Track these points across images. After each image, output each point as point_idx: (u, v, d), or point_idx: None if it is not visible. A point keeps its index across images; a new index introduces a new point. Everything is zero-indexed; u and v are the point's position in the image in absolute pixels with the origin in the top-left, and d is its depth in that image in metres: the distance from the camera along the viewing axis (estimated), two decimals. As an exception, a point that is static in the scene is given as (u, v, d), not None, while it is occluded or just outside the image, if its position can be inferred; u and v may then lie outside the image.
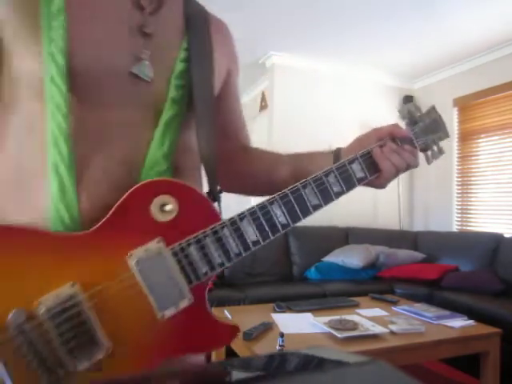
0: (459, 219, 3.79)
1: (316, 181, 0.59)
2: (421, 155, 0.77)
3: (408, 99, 4.28)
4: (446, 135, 0.77)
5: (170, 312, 0.50)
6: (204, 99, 0.61)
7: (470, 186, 3.70)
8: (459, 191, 3.81)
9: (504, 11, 2.81)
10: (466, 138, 3.76)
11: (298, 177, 0.61)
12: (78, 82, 0.51)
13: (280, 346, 1.56)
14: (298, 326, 1.88)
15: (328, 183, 0.60)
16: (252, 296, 2.61)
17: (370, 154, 0.64)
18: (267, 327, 1.82)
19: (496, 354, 1.89)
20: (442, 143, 0.83)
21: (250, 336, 1.67)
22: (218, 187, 0.63)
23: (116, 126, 0.54)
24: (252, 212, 0.55)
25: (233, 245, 0.54)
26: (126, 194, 0.50)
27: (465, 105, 3.76)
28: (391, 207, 4.20)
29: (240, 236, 0.55)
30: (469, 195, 3.71)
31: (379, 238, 3.50)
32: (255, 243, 0.56)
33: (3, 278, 0.45)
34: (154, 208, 0.51)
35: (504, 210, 3.35)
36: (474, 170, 3.67)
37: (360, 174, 0.63)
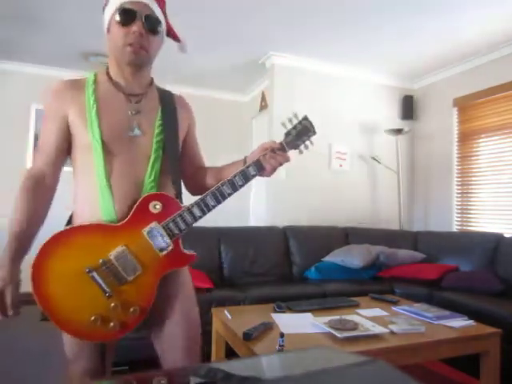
0: (459, 219, 3.79)
1: (229, 181, 1.11)
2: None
3: (408, 99, 4.28)
4: (314, 133, 1.21)
5: (163, 253, 1.07)
6: (172, 147, 1.17)
7: (470, 186, 3.70)
8: (459, 191, 3.81)
9: (504, 11, 2.81)
10: (465, 138, 3.76)
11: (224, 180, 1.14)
12: (107, 146, 1.07)
13: (280, 346, 1.56)
14: (298, 325, 1.88)
15: (235, 180, 1.12)
16: (252, 296, 2.61)
17: (259, 160, 1.14)
18: (267, 327, 1.82)
19: (496, 354, 1.89)
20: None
21: (250, 336, 1.67)
22: (181, 192, 1.21)
23: (126, 164, 1.09)
24: (197, 202, 1.10)
25: (189, 219, 1.09)
26: (137, 203, 1.06)
27: (465, 105, 3.76)
28: (391, 207, 4.20)
29: (192, 214, 1.09)
30: (469, 195, 3.71)
31: (379, 238, 3.50)
32: (200, 217, 1.10)
33: (91, 246, 1.03)
34: (151, 207, 1.07)
35: (504, 210, 3.35)
36: (474, 170, 3.67)
37: (253, 173, 1.14)
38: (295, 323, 1.92)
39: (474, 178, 3.67)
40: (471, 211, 3.68)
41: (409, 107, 4.28)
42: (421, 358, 1.85)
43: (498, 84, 3.41)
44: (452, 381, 2.28)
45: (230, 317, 2.00)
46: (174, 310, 1.14)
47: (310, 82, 3.94)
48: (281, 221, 3.64)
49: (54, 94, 1.10)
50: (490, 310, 2.33)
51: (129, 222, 1.05)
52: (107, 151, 1.06)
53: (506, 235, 3.03)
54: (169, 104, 1.19)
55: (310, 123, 1.20)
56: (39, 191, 1.09)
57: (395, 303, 2.36)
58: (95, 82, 1.12)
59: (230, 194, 1.11)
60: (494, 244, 2.99)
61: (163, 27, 1.13)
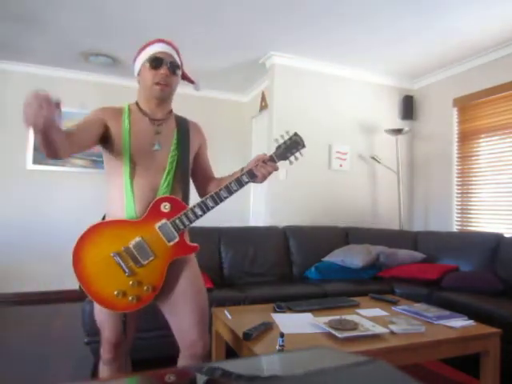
0: (459, 219, 3.79)
1: (226, 186, 1.39)
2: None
3: (408, 99, 4.28)
4: (303, 146, 1.45)
5: (171, 243, 1.35)
6: (183, 161, 1.46)
7: (470, 186, 3.70)
8: (459, 191, 3.81)
9: (504, 11, 2.81)
10: (465, 137, 3.76)
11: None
12: (133, 158, 1.38)
13: (280, 346, 1.56)
14: (298, 325, 1.88)
15: (231, 186, 1.39)
16: (252, 296, 2.61)
17: (252, 170, 1.41)
18: (267, 327, 1.82)
19: (496, 354, 1.90)
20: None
21: (250, 336, 1.67)
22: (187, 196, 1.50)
23: (147, 173, 1.38)
24: (199, 203, 1.37)
25: (192, 216, 1.36)
26: (151, 203, 1.35)
27: (465, 105, 3.76)
28: (391, 207, 4.20)
29: (194, 213, 1.36)
30: (469, 195, 3.71)
31: (379, 238, 3.50)
32: (201, 215, 1.37)
33: (116, 236, 1.32)
34: (162, 207, 1.35)
35: (504, 210, 3.36)
36: (474, 170, 3.67)
37: (246, 180, 1.40)
38: (295, 323, 1.92)
39: (474, 178, 3.67)
40: (471, 211, 3.68)
41: (409, 107, 4.28)
42: (421, 358, 1.85)
43: (498, 84, 3.41)
44: (452, 381, 2.28)
45: (230, 317, 2.00)
46: (181, 284, 1.43)
47: (310, 82, 3.94)
48: (281, 221, 3.64)
49: (99, 109, 1.42)
50: (489, 310, 2.33)
51: (145, 219, 1.34)
52: (133, 161, 1.37)
53: (506, 235, 3.03)
54: (184, 128, 1.51)
55: (300, 138, 1.46)
56: (66, 137, 1.20)
57: (395, 303, 2.36)
58: (129, 109, 1.46)
59: (226, 197, 1.39)
60: (494, 244, 2.99)
61: (180, 71, 1.47)
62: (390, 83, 4.31)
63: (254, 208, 4.64)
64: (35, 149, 4.17)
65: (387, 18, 2.99)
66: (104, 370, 1.48)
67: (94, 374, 2.30)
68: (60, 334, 2.98)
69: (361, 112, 4.17)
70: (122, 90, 4.49)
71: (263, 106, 4.40)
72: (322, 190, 3.92)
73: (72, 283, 3.80)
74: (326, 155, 3.96)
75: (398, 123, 4.29)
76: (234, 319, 1.98)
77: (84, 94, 4.35)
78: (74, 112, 4.32)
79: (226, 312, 2.05)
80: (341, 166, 4.01)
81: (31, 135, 4.17)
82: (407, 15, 2.92)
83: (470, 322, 2.00)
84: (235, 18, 3.04)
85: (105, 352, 1.44)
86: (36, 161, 4.18)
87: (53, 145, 1.12)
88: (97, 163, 4.36)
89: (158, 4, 2.87)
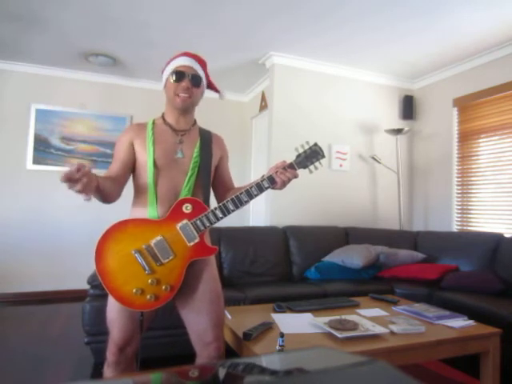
0: (459, 219, 3.79)
1: (246, 190, 1.42)
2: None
3: (408, 99, 4.28)
4: (323, 156, 1.50)
5: (191, 243, 1.39)
6: (205, 167, 1.52)
7: (470, 186, 3.70)
8: (459, 191, 3.81)
9: (504, 11, 2.81)
10: (465, 138, 3.76)
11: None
12: (157, 164, 1.45)
13: (280, 346, 1.56)
14: (298, 325, 1.88)
15: (251, 190, 1.42)
16: (252, 296, 2.61)
17: (272, 175, 1.43)
18: (267, 327, 1.82)
19: (496, 354, 1.90)
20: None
21: (250, 336, 1.67)
22: (208, 200, 1.55)
23: (170, 178, 1.46)
24: (220, 206, 1.41)
25: (212, 218, 1.40)
26: (173, 204, 1.41)
27: (465, 105, 3.76)
28: (391, 207, 4.20)
29: (215, 215, 1.40)
30: (469, 195, 3.71)
31: (379, 238, 3.50)
32: (221, 217, 1.41)
33: (137, 234, 1.36)
34: (183, 208, 1.40)
35: (504, 210, 3.35)
36: (474, 170, 3.67)
37: (266, 185, 1.43)
38: (295, 323, 1.92)
39: (473, 178, 3.67)
40: (471, 211, 3.68)
41: (409, 107, 4.28)
42: (421, 358, 1.85)
43: (498, 84, 3.41)
44: (452, 381, 2.28)
45: (229, 317, 2.00)
46: (201, 287, 1.46)
47: (310, 82, 3.94)
48: (281, 221, 3.64)
49: (124, 131, 1.55)
50: (489, 310, 2.33)
51: (167, 219, 1.39)
52: (157, 168, 1.45)
53: (506, 235, 3.03)
54: (206, 139, 1.58)
55: (320, 148, 1.50)
56: (114, 183, 1.41)
57: (395, 303, 2.36)
58: (154, 123, 1.55)
59: (246, 201, 1.42)
60: (494, 244, 2.99)
61: (204, 82, 1.54)
62: (389, 83, 4.31)
63: (254, 208, 4.64)
64: (35, 149, 4.17)
65: (387, 18, 2.98)
66: (108, 373, 1.45)
67: (94, 374, 2.30)
68: (60, 334, 2.98)
69: (361, 112, 4.17)
70: (122, 90, 4.49)
71: (263, 106, 4.40)
72: (322, 189, 3.92)
73: (72, 283, 3.80)
74: (326, 155, 3.95)
75: (398, 123, 4.29)
76: (234, 319, 1.98)
77: (84, 94, 4.35)
78: (74, 112, 4.32)
79: (225, 312, 2.05)
80: (341, 165, 4.01)
81: (31, 135, 4.17)
82: (407, 15, 2.92)
83: (470, 322, 2.00)
84: (235, 18, 3.04)
85: (110, 353, 1.44)
86: (36, 161, 4.18)
87: (105, 193, 1.32)
88: (97, 163, 4.36)
89: (158, 4, 2.87)
